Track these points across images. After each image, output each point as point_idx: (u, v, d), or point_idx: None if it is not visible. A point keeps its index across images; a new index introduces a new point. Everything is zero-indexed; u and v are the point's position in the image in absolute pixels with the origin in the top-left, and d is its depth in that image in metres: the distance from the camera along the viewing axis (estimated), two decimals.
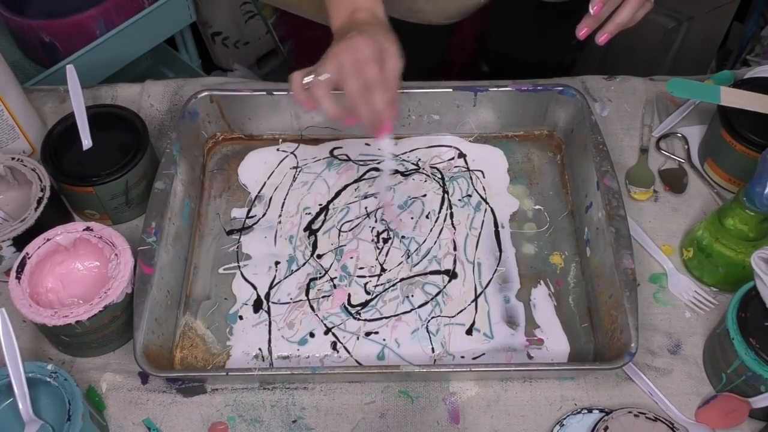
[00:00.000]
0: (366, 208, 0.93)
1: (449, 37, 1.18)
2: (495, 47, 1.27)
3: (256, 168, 0.97)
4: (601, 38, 0.79)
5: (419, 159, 0.98)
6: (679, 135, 1.00)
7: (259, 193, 0.95)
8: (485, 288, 0.86)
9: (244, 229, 0.92)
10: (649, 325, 0.84)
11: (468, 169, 0.97)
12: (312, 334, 0.83)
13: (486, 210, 0.93)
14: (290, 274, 0.88)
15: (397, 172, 0.97)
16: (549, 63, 1.12)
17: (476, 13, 1.10)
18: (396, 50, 0.76)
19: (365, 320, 0.84)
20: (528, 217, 0.93)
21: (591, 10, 0.76)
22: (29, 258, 0.79)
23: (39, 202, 0.84)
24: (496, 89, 0.95)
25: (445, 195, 0.95)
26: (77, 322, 0.75)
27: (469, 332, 0.83)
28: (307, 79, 0.76)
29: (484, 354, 0.82)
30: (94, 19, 1.31)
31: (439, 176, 0.96)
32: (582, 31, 0.78)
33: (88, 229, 0.82)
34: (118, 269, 0.79)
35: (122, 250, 0.80)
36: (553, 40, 1.17)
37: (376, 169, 0.97)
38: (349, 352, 0.82)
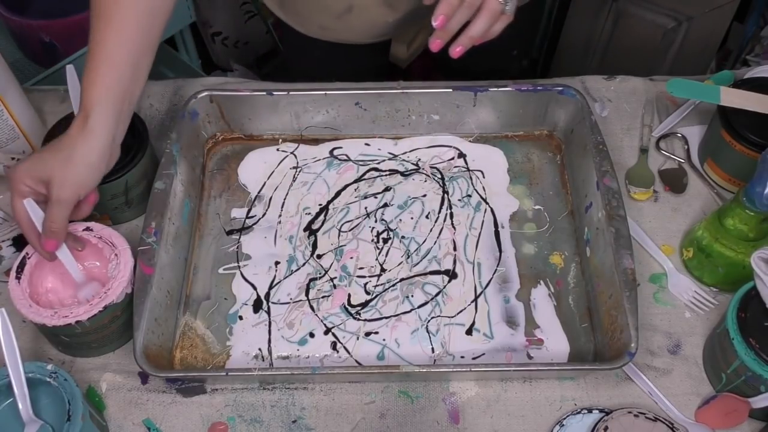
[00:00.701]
0: (366, 208, 0.93)
1: (383, 57, 1.18)
2: (443, 61, 1.27)
3: (256, 168, 0.97)
4: (455, 51, 0.76)
5: (419, 159, 0.98)
6: (679, 135, 1.00)
7: (259, 193, 0.95)
8: (485, 288, 0.86)
9: (244, 229, 0.92)
10: (649, 325, 0.84)
11: (468, 169, 0.97)
12: (312, 334, 0.83)
13: (486, 210, 0.93)
14: (290, 274, 0.88)
15: (397, 172, 0.97)
16: (496, 71, 1.11)
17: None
18: (62, 178, 0.73)
19: (365, 320, 0.84)
20: (528, 217, 0.93)
21: (434, 24, 0.73)
22: (29, 258, 0.79)
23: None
24: (496, 89, 0.95)
25: (445, 195, 0.95)
26: (77, 322, 0.75)
27: (469, 332, 0.83)
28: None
29: (484, 354, 0.82)
30: None
31: (439, 176, 0.96)
32: (434, 43, 0.75)
33: (88, 229, 0.82)
34: (118, 269, 0.79)
35: (122, 250, 0.80)
36: (493, 50, 1.17)
37: (377, 169, 0.97)
38: (349, 352, 0.82)
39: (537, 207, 0.93)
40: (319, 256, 0.89)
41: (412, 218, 0.92)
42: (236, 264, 0.89)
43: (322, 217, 0.93)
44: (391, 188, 0.95)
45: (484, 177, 0.96)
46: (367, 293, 0.86)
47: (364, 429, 0.77)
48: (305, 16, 1.05)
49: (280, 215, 0.93)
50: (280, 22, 1.11)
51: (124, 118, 0.79)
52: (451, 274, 0.87)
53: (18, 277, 0.78)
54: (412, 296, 0.86)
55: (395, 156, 0.98)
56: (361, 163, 0.98)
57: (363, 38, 1.06)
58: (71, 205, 0.75)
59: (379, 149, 0.99)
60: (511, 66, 1.23)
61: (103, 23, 0.76)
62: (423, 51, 1.17)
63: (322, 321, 0.84)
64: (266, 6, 1.12)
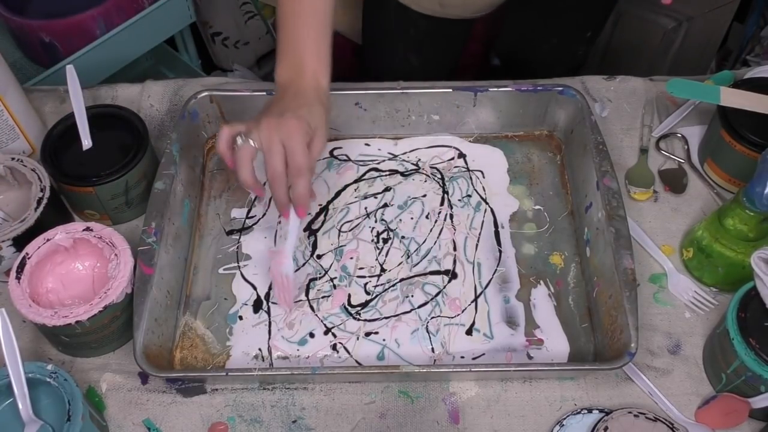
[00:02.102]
0: (366, 208, 0.93)
1: (468, 35, 1.18)
2: (508, 40, 1.27)
3: (256, 168, 0.97)
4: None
5: (419, 159, 0.98)
6: (679, 135, 1.00)
7: None
8: (485, 288, 0.86)
9: (244, 229, 0.92)
10: (649, 325, 0.84)
11: (468, 169, 0.97)
12: (312, 335, 0.83)
13: (486, 210, 0.93)
14: None
15: (397, 172, 0.97)
16: (562, 56, 1.11)
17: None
18: (324, 132, 0.79)
19: (365, 320, 0.84)
20: (528, 217, 0.93)
21: None
22: (29, 258, 0.79)
23: (39, 202, 0.84)
24: (496, 89, 0.95)
25: (445, 195, 0.95)
26: (77, 322, 0.75)
27: (469, 332, 0.83)
28: (238, 140, 0.78)
29: (484, 354, 0.82)
30: (94, 19, 1.31)
31: (439, 176, 0.96)
32: None
33: (88, 229, 0.82)
34: (118, 269, 0.79)
35: (122, 250, 0.80)
36: (565, 32, 1.16)
37: (377, 169, 0.97)
38: (349, 353, 0.82)
39: (537, 207, 0.93)
40: (319, 256, 0.89)
41: (412, 218, 0.92)
42: (236, 264, 0.89)
43: (322, 217, 0.93)
44: (391, 188, 0.95)
45: (484, 177, 0.96)
46: (367, 293, 0.86)
47: (364, 429, 0.77)
48: None
49: (280, 215, 0.93)
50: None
51: None
52: (451, 274, 0.87)
53: (18, 277, 0.78)
54: (412, 296, 0.86)
55: (395, 156, 0.98)
56: (361, 163, 0.98)
57: (476, 11, 1.07)
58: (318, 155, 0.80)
59: (379, 149, 0.99)
60: (578, 50, 1.23)
61: None
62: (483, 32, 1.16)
63: (322, 321, 0.84)
64: (268, 6, 1.12)
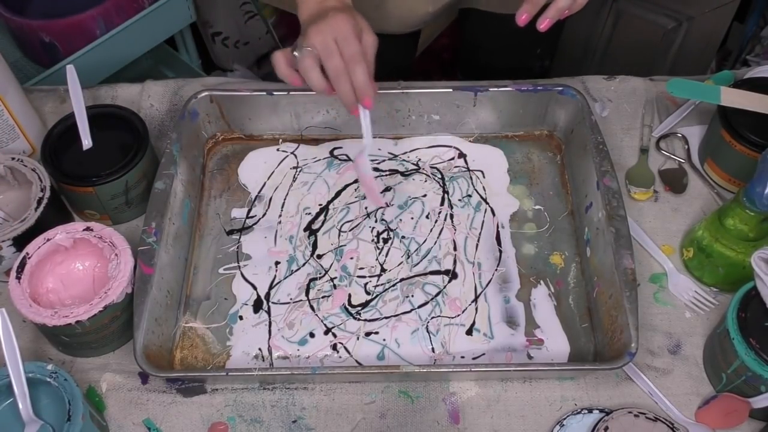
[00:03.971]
0: (366, 208, 0.93)
1: (412, 50, 1.18)
2: (467, 56, 1.28)
3: (256, 168, 0.97)
4: (542, 24, 0.77)
5: (419, 159, 0.98)
6: (679, 135, 1.00)
7: (259, 193, 0.95)
8: (485, 288, 0.86)
9: (244, 229, 0.92)
10: (649, 325, 0.84)
11: (468, 169, 0.97)
12: (312, 334, 0.83)
13: (486, 210, 0.93)
14: (290, 275, 0.88)
15: (397, 172, 0.97)
16: (519, 71, 1.12)
17: (452, 23, 1.10)
18: (369, 27, 0.78)
19: (365, 320, 0.84)
20: (528, 217, 0.93)
21: None
22: (29, 258, 0.79)
23: (39, 202, 0.84)
24: (496, 89, 0.95)
25: (445, 195, 0.95)
26: (77, 322, 0.75)
27: (469, 332, 0.83)
28: (295, 54, 0.78)
29: (484, 354, 0.82)
30: (94, 19, 1.31)
31: (439, 176, 0.96)
32: (522, 17, 0.76)
33: (88, 229, 0.82)
34: (118, 269, 0.79)
35: (122, 250, 0.80)
36: (519, 49, 1.17)
37: (377, 169, 0.97)
38: (349, 352, 0.82)
39: (537, 207, 0.93)
40: (319, 256, 0.89)
41: (412, 218, 0.92)
42: (236, 264, 0.89)
43: (322, 217, 0.93)
44: (391, 188, 0.95)
45: (484, 177, 0.96)
46: (368, 293, 0.86)
47: (365, 429, 0.77)
48: None
49: (280, 215, 0.93)
50: (282, 21, 1.10)
51: None
52: (452, 274, 0.87)
53: (18, 277, 0.78)
54: (413, 296, 0.86)
55: (395, 156, 0.98)
56: None
57: (396, 28, 1.06)
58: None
59: (380, 149, 0.99)
60: (534, 65, 1.23)
61: None
62: (424, 50, 1.16)
63: (322, 321, 0.84)
64: (268, 6, 1.12)
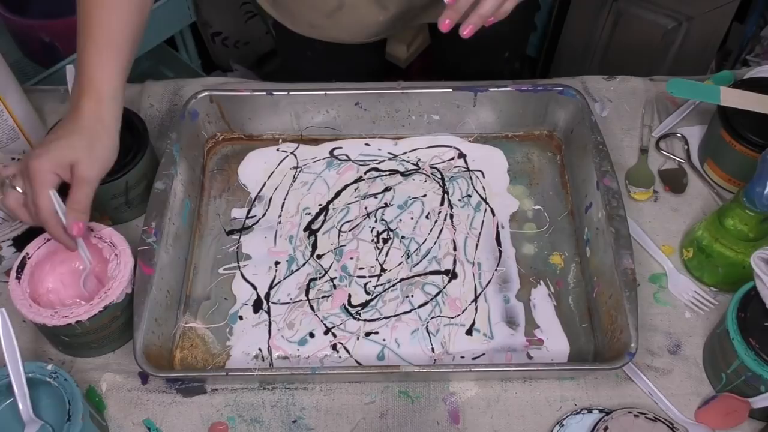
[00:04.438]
0: (366, 208, 0.93)
1: (378, 58, 1.18)
2: (440, 60, 1.27)
3: (256, 168, 0.97)
4: (465, 31, 0.74)
5: (419, 159, 0.98)
6: (679, 135, 1.00)
7: (259, 193, 0.95)
8: (485, 288, 0.86)
9: (244, 229, 0.92)
10: (649, 325, 0.84)
11: (468, 169, 0.97)
12: (312, 334, 0.83)
13: (486, 210, 0.93)
14: (290, 275, 0.88)
15: (397, 172, 0.97)
16: (490, 74, 1.11)
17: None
18: (88, 163, 0.74)
19: (365, 320, 0.84)
20: (528, 217, 0.93)
21: (445, 0, 0.72)
22: (29, 258, 0.79)
23: None
24: (496, 89, 0.95)
25: (445, 195, 0.95)
26: (77, 322, 0.75)
27: (469, 332, 0.83)
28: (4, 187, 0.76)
29: (484, 354, 0.82)
30: None
31: (439, 176, 0.96)
32: (444, 23, 0.74)
33: (88, 229, 0.82)
34: (118, 269, 0.79)
35: (122, 250, 0.80)
36: (486, 53, 1.17)
37: (377, 169, 0.97)
38: (349, 352, 0.82)
39: (537, 207, 0.93)
40: (319, 256, 0.89)
41: (412, 218, 0.92)
42: (236, 264, 0.89)
43: (322, 217, 0.93)
44: (391, 188, 0.95)
45: (484, 177, 0.96)
46: (367, 293, 0.86)
47: (364, 429, 0.77)
48: (296, 13, 1.05)
49: (280, 215, 0.93)
50: (276, 21, 1.11)
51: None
52: (451, 274, 0.87)
53: (18, 277, 0.78)
54: (412, 296, 0.86)
55: (395, 156, 0.98)
56: (361, 163, 0.98)
57: (354, 37, 1.06)
58: (96, 185, 0.76)
59: (379, 149, 0.99)
60: (503, 68, 1.23)
61: (95, 3, 0.76)
62: (422, 51, 1.17)
63: (322, 321, 0.84)
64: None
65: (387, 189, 0.95)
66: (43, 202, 0.73)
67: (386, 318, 0.84)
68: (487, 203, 0.94)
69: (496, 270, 0.88)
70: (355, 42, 1.07)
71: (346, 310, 0.85)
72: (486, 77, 1.00)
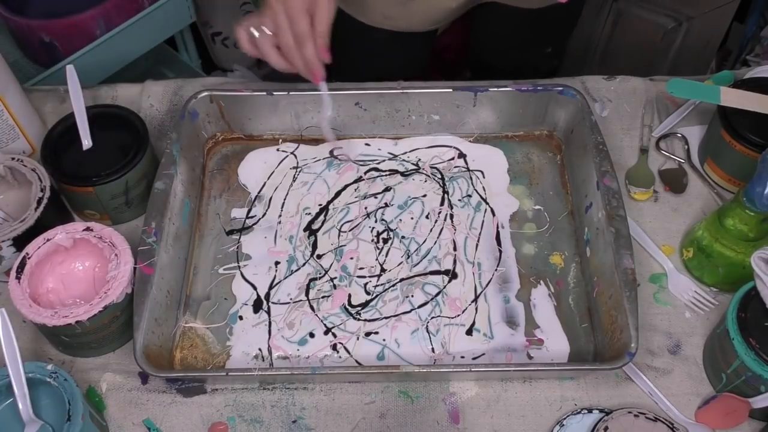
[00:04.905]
0: (366, 208, 0.93)
1: (430, 47, 1.18)
2: (475, 55, 1.28)
3: (256, 168, 0.97)
4: None
5: (419, 159, 0.98)
6: (679, 135, 1.00)
7: (259, 193, 0.95)
8: (485, 288, 0.86)
9: (244, 229, 0.92)
10: (649, 325, 0.84)
11: (468, 169, 0.97)
12: (312, 334, 0.83)
13: (486, 210, 0.93)
14: (290, 275, 0.88)
15: (397, 172, 0.97)
16: (526, 70, 1.12)
17: (462, 20, 1.09)
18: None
19: (365, 320, 0.84)
20: (528, 217, 0.93)
21: None
22: (29, 258, 0.79)
23: (39, 202, 0.84)
24: (496, 89, 0.95)
25: (445, 195, 0.95)
26: (77, 322, 0.75)
27: (469, 332, 0.83)
28: (254, 33, 0.80)
29: (484, 354, 0.82)
30: (94, 19, 1.31)
31: (439, 176, 0.96)
32: None
33: (88, 229, 0.82)
34: (118, 269, 0.79)
35: (122, 250, 0.80)
36: (528, 48, 1.17)
37: (377, 169, 0.97)
38: (349, 352, 0.82)
39: (537, 207, 0.93)
40: (319, 256, 0.89)
41: (412, 218, 0.92)
42: (236, 264, 0.89)
43: (322, 217, 0.93)
44: (391, 188, 0.95)
45: (484, 177, 0.96)
46: (367, 293, 0.86)
47: (364, 429, 0.77)
48: (368, 4, 1.05)
49: (280, 215, 0.93)
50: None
51: None
52: (451, 274, 0.87)
53: (18, 277, 0.78)
54: (412, 296, 0.86)
55: (395, 156, 0.98)
56: (361, 163, 0.98)
57: (422, 25, 1.07)
58: (331, 22, 0.80)
59: (379, 149, 0.99)
60: (542, 63, 1.23)
61: None
62: (460, 42, 1.14)
63: (322, 321, 0.84)
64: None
65: (387, 189, 0.95)
66: (302, 27, 0.77)
67: (386, 318, 0.84)
68: (487, 203, 0.94)
69: (496, 270, 0.88)
70: (422, 30, 1.07)
71: (346, 310, 0.85)
72: (523, 76, 1.00)
